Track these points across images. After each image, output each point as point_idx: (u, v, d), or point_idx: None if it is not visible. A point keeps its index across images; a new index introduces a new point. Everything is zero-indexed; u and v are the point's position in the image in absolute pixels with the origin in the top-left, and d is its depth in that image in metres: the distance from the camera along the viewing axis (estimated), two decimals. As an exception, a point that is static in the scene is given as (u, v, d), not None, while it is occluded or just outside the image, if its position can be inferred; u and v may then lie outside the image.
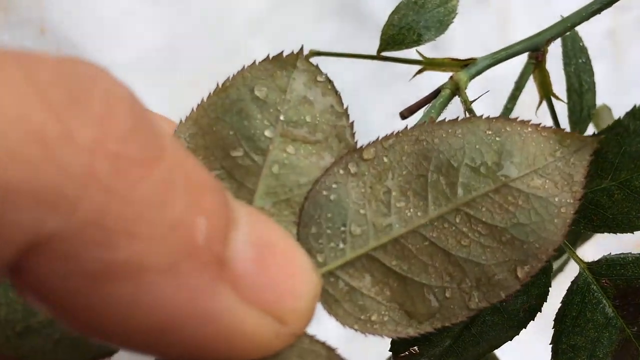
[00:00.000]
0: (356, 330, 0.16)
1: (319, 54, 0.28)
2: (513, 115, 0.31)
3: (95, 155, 0.11)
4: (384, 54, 0.27)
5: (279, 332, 0.13)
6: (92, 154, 0.11)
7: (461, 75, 0.28)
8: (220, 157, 0.17)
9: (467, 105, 0.27)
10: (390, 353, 0.25)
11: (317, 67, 0.19)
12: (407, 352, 0.25)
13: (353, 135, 0.18)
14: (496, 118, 0.17)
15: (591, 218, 0.23)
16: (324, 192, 0.16)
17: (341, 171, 0.17)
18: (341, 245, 0.16)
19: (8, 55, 0.10)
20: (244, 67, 0.19)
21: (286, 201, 0.17)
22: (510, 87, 0.32)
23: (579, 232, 0.33)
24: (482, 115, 0.17)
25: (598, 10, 0.27)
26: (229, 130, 0.17)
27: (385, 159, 0.17)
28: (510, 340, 0.25)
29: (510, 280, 0.16)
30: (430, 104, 0.28)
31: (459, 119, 0.17)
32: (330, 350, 0.15)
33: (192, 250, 0.12)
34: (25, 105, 0.10)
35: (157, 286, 0.11)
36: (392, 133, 0.17)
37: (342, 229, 0.16)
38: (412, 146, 0.17)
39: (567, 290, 0.24)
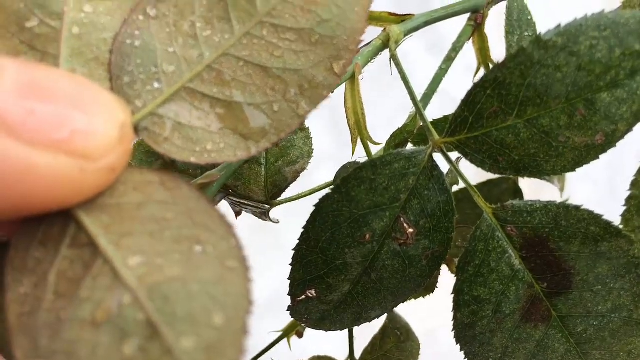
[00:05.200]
0: (193, 162, 0.15)
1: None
2: (448, 78, 0.30)
3: None
4: None
5: (84, 167, 0.13)
6: None
7: (394, 28, 0.28)
8: (16, 32, 0.17)
9: (392, 52, 0.26)
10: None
11: None
12: (304, 296, 0.24)
13: None
14: None
15: (496, 159, 0.21)
16: (128, 41, 0.16)
17: (141, 17, 0.16)
18: (157, 85, 0.16)
19: None
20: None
21: (96, 60, 0.16)
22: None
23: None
24: None
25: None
26: (20, 4, 0.17)
27: None
28: (415, 292, 0.23)
29: (330, 78, 0.16)
30: (359, 52, 0.27)
31: None
32: (162, 175, 0.15)
33: None
34: None
35: None
36: None
37: (154, 70, 0.16)
38: None
39: (470, 236, 0.22)
